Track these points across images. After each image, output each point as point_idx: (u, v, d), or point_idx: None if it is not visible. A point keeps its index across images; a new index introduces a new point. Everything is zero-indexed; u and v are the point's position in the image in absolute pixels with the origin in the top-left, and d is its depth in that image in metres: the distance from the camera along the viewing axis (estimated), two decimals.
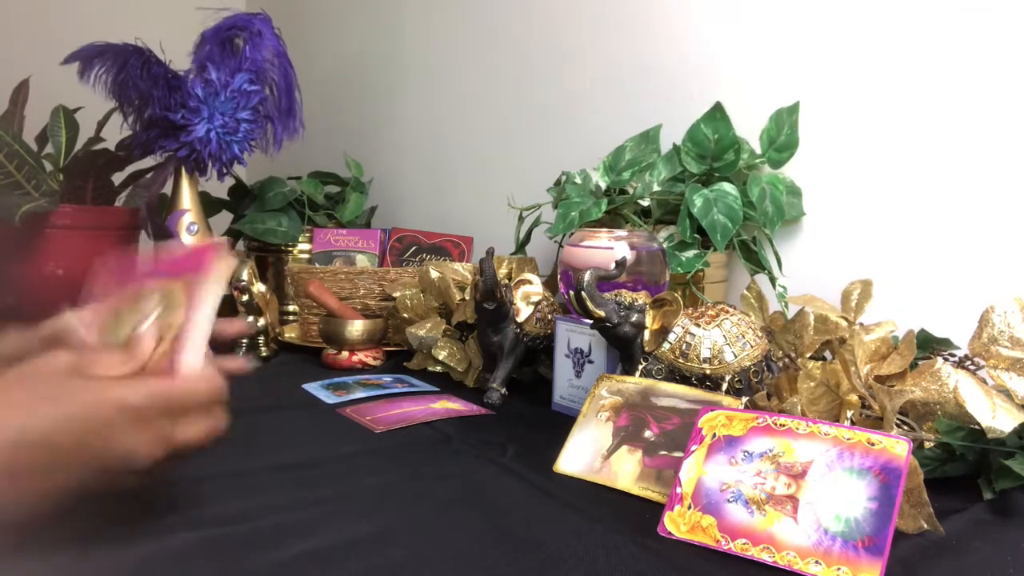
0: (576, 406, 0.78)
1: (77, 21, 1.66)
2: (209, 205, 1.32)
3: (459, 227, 1.34)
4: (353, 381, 0.91)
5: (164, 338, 0.51)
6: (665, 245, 0.92)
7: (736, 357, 0.68)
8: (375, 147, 1.71)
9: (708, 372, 0.68)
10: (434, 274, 0.99)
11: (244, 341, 1.05)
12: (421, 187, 1.63)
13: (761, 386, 0.69)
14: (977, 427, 0.58)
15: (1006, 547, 0.51)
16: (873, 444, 0.50)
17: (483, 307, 0.84)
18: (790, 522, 0.48)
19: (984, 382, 0.62)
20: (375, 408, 0.80)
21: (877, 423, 0.61)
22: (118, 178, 1.22)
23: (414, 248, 1.27)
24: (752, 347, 0.69)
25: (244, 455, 0.65)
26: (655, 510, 0.55)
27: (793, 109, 0.99)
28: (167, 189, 1.14)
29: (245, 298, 1.03)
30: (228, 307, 1.02)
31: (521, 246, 1.14)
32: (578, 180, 1.06)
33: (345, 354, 1.01)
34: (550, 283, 1.00)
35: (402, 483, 0.60)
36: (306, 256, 1.30)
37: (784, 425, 0.54)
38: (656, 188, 1.01)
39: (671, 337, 0.70)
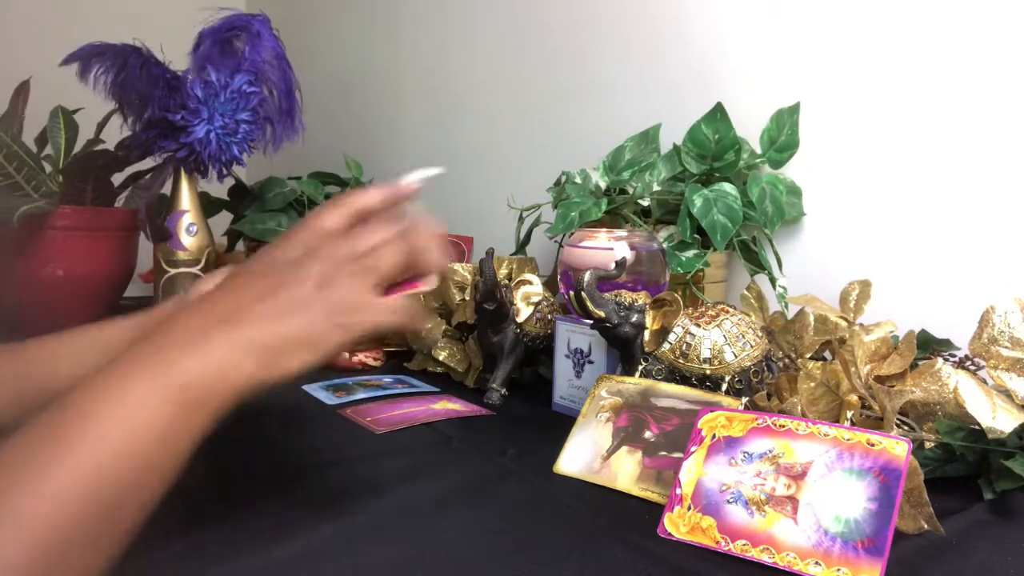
0: (576, 406, 0.78)
1: (76, 21, 1.66)
2: (209, 205, 1.32)
3: (459, 227, 1.34)
4: (353, 382, 0.91)
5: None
6: (665, 245, 0.92)
7: (736, 357, 0.68)
8: (375, 147, 1.71)
9: (708, 372, 0.68)
10: None
11: None
12: (421, 187, 1.62)
13: (761, 386, 0.69)
14: (977, 427, 0.58)
15: (1006, 547, 0.51)
16: (873, 445, 0.50)
17: (483, 307, 0.83)
18: (790, 523, 0.48)
19: (984, 382, 0.62)
20: (376, 409, 0.80)
21: (877, 423, 0.61)
22: (118, 179, 1.22)
23: None
24: (752, 347, 0.69)
25: (244, 456, 0.65)
26: (655, 511, 0.54)
27: (794, 109, 0.99)
28: (167, 190, 1.14)
29: None
30: None
31: (521, 246, 1.14)
32: (578, 180, 1.06)
33: (345, 354, 1.01)
34: (550, 283, 1.00)
35: (402, 483, 0.60)
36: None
37: (784, 426, 0.54)
38: (656, 188, 1.01)
39: (671, 337, 0.70)
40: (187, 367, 0.38)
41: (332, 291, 0.42)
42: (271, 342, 0.40)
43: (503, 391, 0.85)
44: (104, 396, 0.37)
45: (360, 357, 1.02)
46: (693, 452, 0.56)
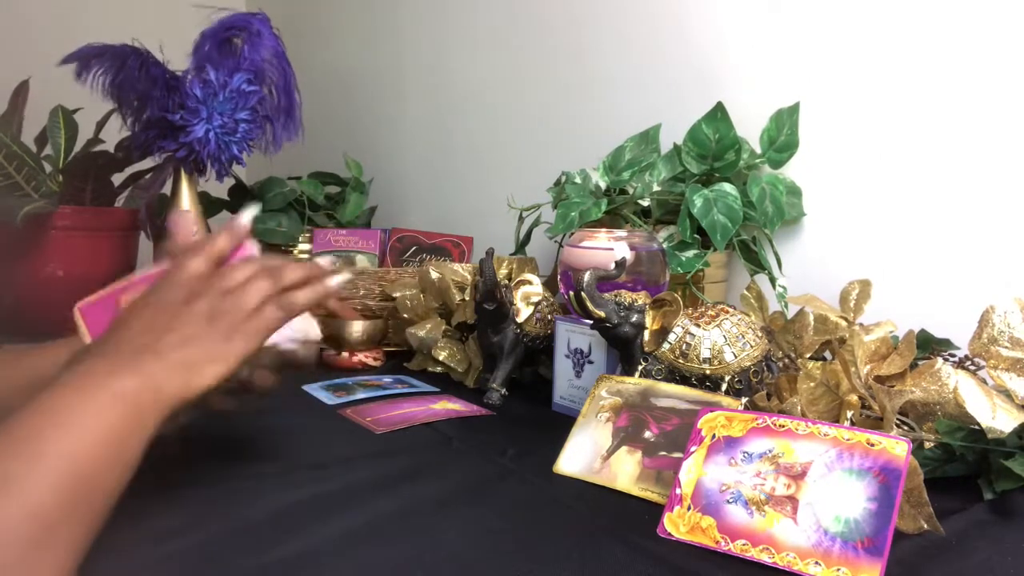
0: (576, 406, 0.78)
1: (76, 22, 1.66)
2: (209, 205, 1.32)
3: (459, 227, 1.34)
4: (353, 382, 0.91)
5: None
6: (665, 245, 0.92)
7: (736, 357, 0.68)
8: (375, 147, 1.71)
9: (708, 372, 0.68)
10: (434, 274, 0.99)
11: None
12: (421, 187, 1.63)
13: (761, 386, 0.69)
14: (977, 427, 0.58)
15: (1006, 547, 0.51)
16: (873, 445, 0.50)
17: (483, 307, 0.84)
18: (790, 523, 0.48)
19: (984, 382, 0.62)
20: (375, 409, 0.80)
21: (877, 423, 0.61)
22: (117, 179, 1.22)
23: (414, 248, 1.27)
24: (752, 347, 0.69)
25: (244, 456, 0.65)
26: (654, 511, 0.54)
27: (793, 109, 0.99)
28: (167, 190, 1.14)
29: None
30: None
31: (521, 246, 1.14)
32: (578, 180, 1.06)
33: (345, 355, 1.01)
34: (550, 283, 1.00)
35: (402, 484, 0.60)
36: (306, 256, 1.30)
37: (784, 426, 0.54)
38: (656, 188, 1.01)
39: (671, 337, 0.70)
40: (127, 383, 0.46)
41: (220, 320, 0.52)
42: (188, 361, 0.49)
43: (503, 391, 0.85)
44: (70, 403, 0.44)
45: (360, 357, 1.02)
46: (693, 452, 0.56)
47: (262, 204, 1.38)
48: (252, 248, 0.60)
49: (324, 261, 0.60)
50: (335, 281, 0.58)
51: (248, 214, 0.60)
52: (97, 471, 0.43)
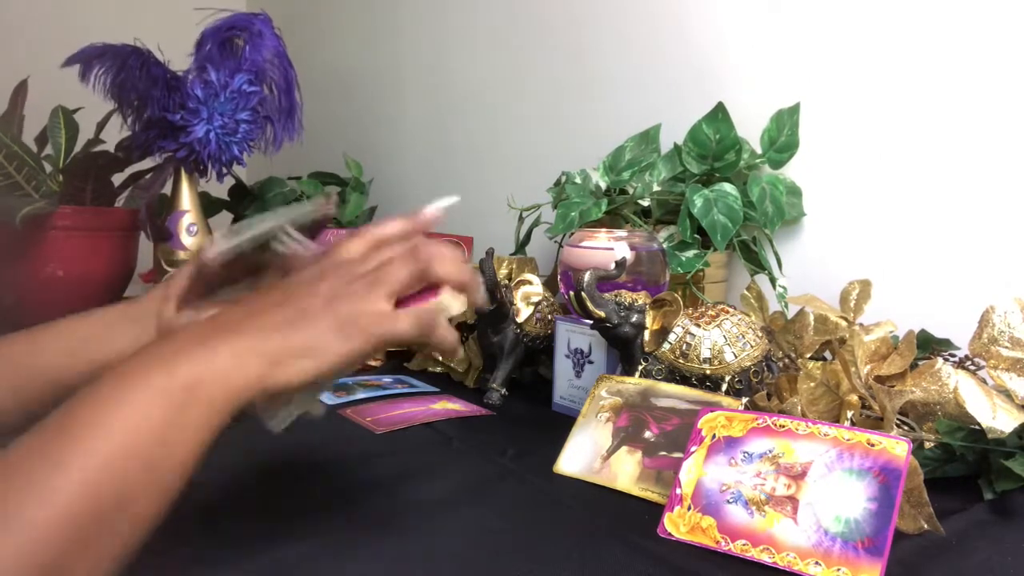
0: (576, 406, 0.78)
1: (76, 21, 1.66)
2: (209, 205, 1.32)
3: (459, 227, 1.34)
4: (353, 382, 0.91)
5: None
6: (665, 245, 0.92)
7: (736, 357, 0.68)
8: (375, 147, 1.71)
9: (708, 372, 0.68)
10: None
11: None
12: (421, 187, 1.63)
13: (761, 386, 0.69)
14: (977, 427, 0.58)
15: (1006, 547, 0.51)
16: (873, 445, 0.50)
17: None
18: (790, 523, 0.48)
19: (984, 382, 0.62)
20: (375, 409, 0.80)
21: (877, 423, 0.61)
22: (118, 179, 1.22)
23: None
24: (752, 347, 0.69)
25: (243, 457, 0.65)
26: (655, 511, 0.54)
27: (794, 110, 0.99)
28: (167, 190, 1.14)
29: None
30: None
31: (521, 246, 1.14)
32: (578, 180, 1.06)
33: None
34: (550, 283, 1.00)
35: (402, 484, 0.60)
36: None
37: (784, 426, 0.54)
38: (656, 188, 1.01)
39: (671, 337, 0.70)
40: (189, 370, 0.40)
41: (339, 304, 0.43)
42: (271, 350, 0.41)
43: (503, 391, 0.85)
44: (110, 398, 0.38)
45: None
46: (693, 452, 0.56)
47: (262, 204, 1.38)
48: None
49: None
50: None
51: (443, 203, 0.50)
52: (132, 479, 0.37)
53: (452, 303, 0.48)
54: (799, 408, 0.61)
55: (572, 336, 0.82)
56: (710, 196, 0.93)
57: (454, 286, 0.47)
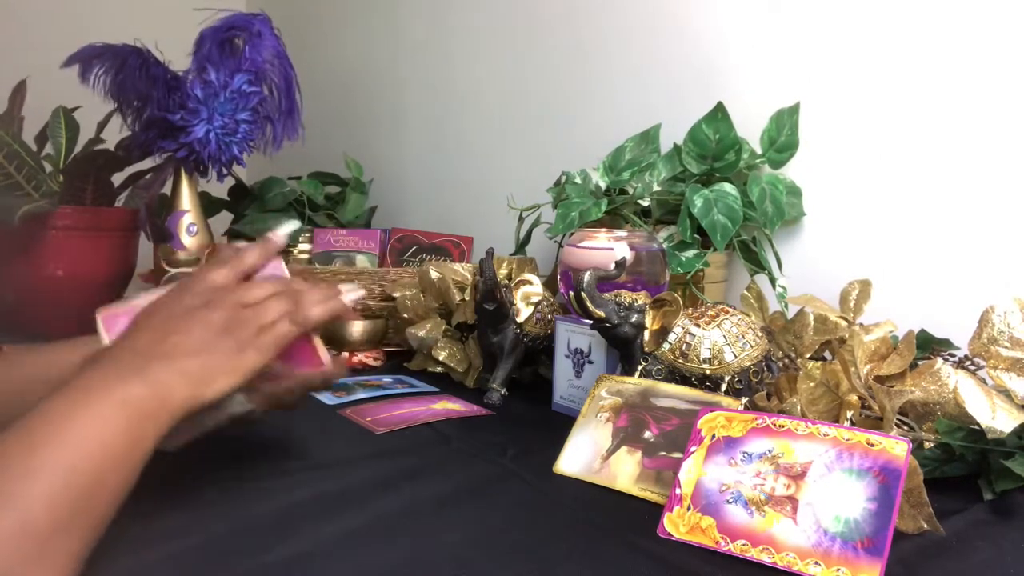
0: (576, 406, 0.78)
1: (76, 21, 1.66)
2: (209, 205, 1.32)
3: (459, 227, 1.34)
4: (353, 382, 0.91)
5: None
6: (665, 245, 0.92)
7: (736, 357, 0.68)
8: (375, 147, 1.71)
9: (708, 372, 0.68)
10: (434, 274, 0.99)
11: None
12: (421, 187, 1.63)
13: (761, 386, 0.69)
14: (977, 427, 0.58)
15: (1006, 547, 0.51)
16: (872, 445, 0.50)
17: (483, 307, 0.84)
18: (789, 523, 0.48)
19: (984, 382, 0.62)
20: (375, 409, 0.80)
21: (877, 423, 0.61)
22: (118, 179, 1.22)
23: (414, 248, 1.27)
24: (752, 347, 0.69)
25: (244, 456, 0.65)
26: (654, 511, 0.54)
27: (794, 110, 0.99)
28: (167, 190, 1.14)
29: None
30: None
31: (521, 246, 1.14)
32: (578, 180, 1.06)
33: (345, 355, 1.01)
34: (550, 283, 1.00)
35: (402, 484, 0.60)
36: (306, 257, 1.31)
37: (783, 426, 0.54)
38: (656, 188, 1.01)
39: (671, 337, 0.70)
40: (133, 390, 0.46)
41: (234, 332, 0.52)
42: (197, 370, 0.49)
43: (503, 391, 0.85)
44: (69, 412, 0.44)
45: (360, 357, 1.02)
46: (693, 452, 0.56)
47: (262, 204, 1.38)
48: (281, 267, 0.60)
49: (345, 288, 0.60)
50: (349, 297, 0.58)
51: (284, 230, 0.60)
52: (96, 482, 0.42)
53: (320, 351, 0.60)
54: (799, 408, 0.61)
55: (572, 336, 0.82)
56: (710, 196, 0.93)
57: (325, 319, 0.57)
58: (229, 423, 0.58)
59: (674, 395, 0.66)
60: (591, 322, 0.74)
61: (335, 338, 1.01)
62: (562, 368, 0.83)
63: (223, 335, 0.51)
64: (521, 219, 1.13)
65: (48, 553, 0.39)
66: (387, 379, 0.94)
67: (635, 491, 0.59)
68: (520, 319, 0.85)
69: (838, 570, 0.45)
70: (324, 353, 0.60)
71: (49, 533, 0.39)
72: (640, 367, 0.71)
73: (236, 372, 0.51)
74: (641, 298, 0.73)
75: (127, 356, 0.49)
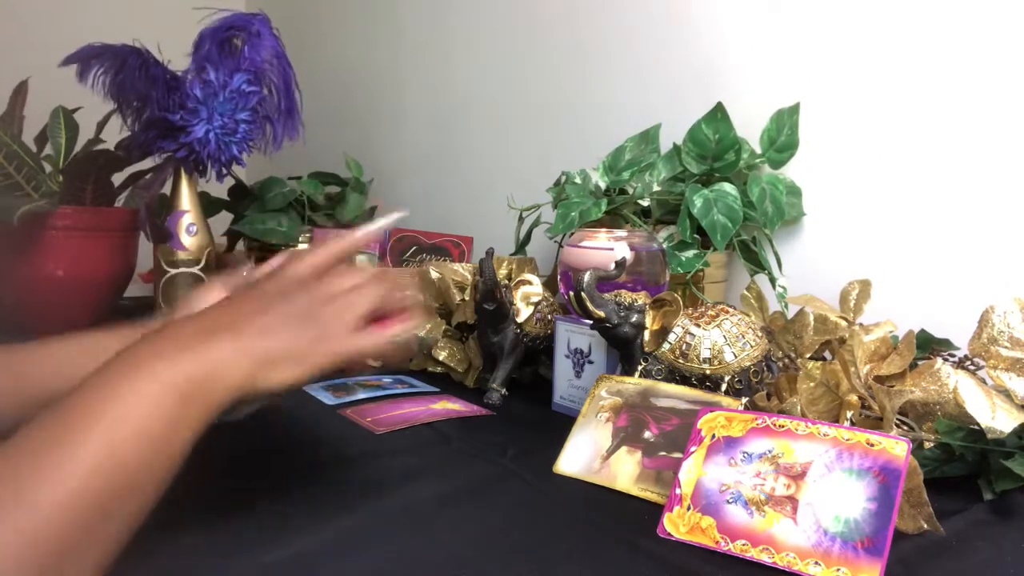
0: (576, 406, 0.78)
1: (76, 21, 1.66)
2: (209, 205, 1.32)
3: (459, 227, 1.34)
4: (353, 382, 0.91)
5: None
6: (665, 245, 0.92)
7: (736, 357, 0.68)
8: (375, 147, 1.71)
9: (708, 372, 0.68)
10: (434, 274, 0.99)
11: None
12: (421, 187, 1.63)
13: (761, 386, 0.69)
14: (977, 427, 0.58)
15: (1006, 548, 0.51)
16: (872, 445, 0.50)
17: (483, 308, 0.83)
18: (789, 523, 0.48)
19: (984, 382, 0.62)
20: (376, 409, 0.80)
21: (877, 423, 0.61)
22: (117, 179, 1.22)
23: (414, 248, 1.27)
24: (752, 347, 0.69)
25: (244, 456, 0.65)
26: (654, 511, 0.55)
27: (794, 109, 0.99)
28: (167, 190, 1.14)
29: None
30: None
31: (521, 246, 1.14)
32: (578, 180, 1.06)
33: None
34: (550, 283, 1.00)
35: (402, 484, 0.60)
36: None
37: (783, 426, 0.54)
38: (656, 188, 1.01)
39: (671, 337, 0.70)
40: (187, 366, 0.42)
41: (316, 321, 0.48)
42: (263, 353, 0.45)
43: (503, 391, 0.85)
44: (112, 391, 0.40)
45: None
46: (693, 452, 0.56)
47: (262, 204, 1.38)
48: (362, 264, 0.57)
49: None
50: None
51: (376, 226, 0.56)
52: (133, 467, 0.39)
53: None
54: (799, 408, 0.61)
55: (572, 336, 0.82)
56: (710, 196, 0.93)
57: (406, 314, 0.53)
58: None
59: (674, 395, 0.66)
60: (591, 322, 0.74)
61: None
62: (562, 368, 0.83)
63: (301, 323, 0.47)
64: (521, 219, 1.13)
65: (85, 542, 0.37)
66: (387, 379, 0.94)
67: (635, 491, 0.59)
68: (520, 319, 0.85)
69: (838, 570, 0.45)
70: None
71: (87, 521, 0.37)
72: (640, 367, 0.71)
73: (306, 363, 0.46)
74: (641, 298, 0.74)
75: (187, 330, 0.45)
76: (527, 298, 0.87)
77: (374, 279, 0.51)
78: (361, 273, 0.51)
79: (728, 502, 0.51)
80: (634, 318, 0.72)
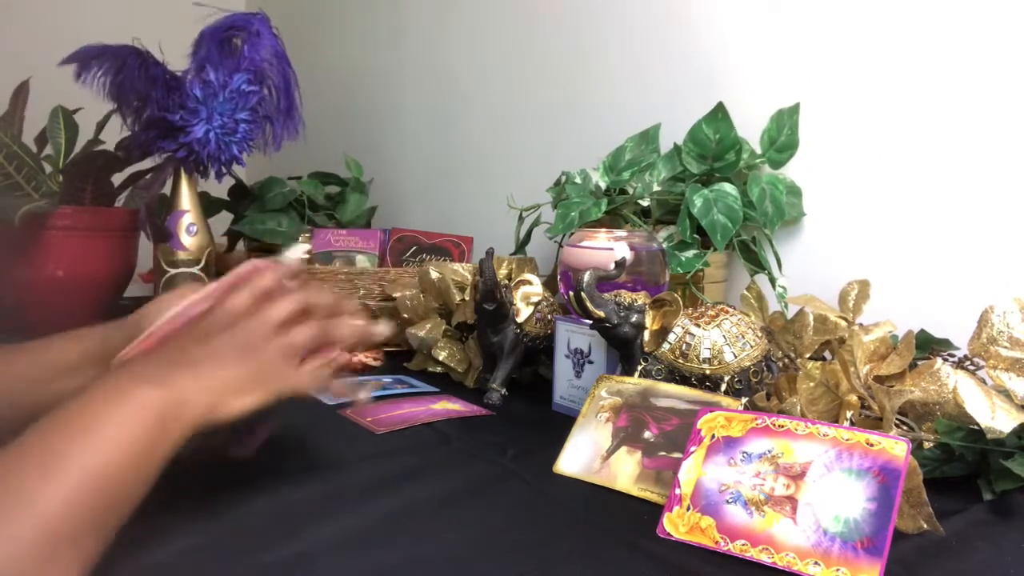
0: (576, 406, 0.78)
1: (76, 21, 1.66)
2: (209, 205, 1.32)
3: (459, 227, 1.34)
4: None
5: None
6: (665, 245, 0.92)
7: (736, 357, 0.68)
8: (375, 147, 1.71)
9: (708, 372, 0.68)
10: (434, 274, 0.99)
11: None
12: (421, 187, 1.63)
13: (761, 386, 0.69)
14: (976, 427, 0.58)
15: (1006, 547, 0.51)
16: (872, 445, 0.50)
17: (483, 308, 0.84)
18: (789, 523, 0.49)
19: (983, 382, 0.62)
20: (375, 409, 0.80)
21: (876, 423, 0.61)
22: (117, 179, 1.22)
23: (414, 248, 1.27)
24: (752, 347, 0.69)
25: (244, 457, 0.65)
26: (654, 511, 0.55)
27: (794, 110, 0.99)
28: (167, 190, 1.14)
29: None
30: None
31: (521, 246, 1.14)
32: (578, 180, 1.06)
33: (346, 355, 1.01)
34: (550, 283, 1.00)
35: (402, 484, 0.60)
36: (306, 257, 1.30)
37: (783, 426, 0.54)
38: (656, 188, 1.01)
39: (671, 337, 0.70)
40: (155, 393, 0.47)
41: (259, 352, 0.52)
42: (221, 384, 0.50)
43: (503, 391, 0.85)
44: (90, 414, 0.44)
45: (360, 357, 1.02)
46: (692, 452, 0.56)
47: (262, 204, 1.38)
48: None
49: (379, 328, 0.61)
50: (379, 330, 0.59)
51: (294, 253, 0.60)
52: (117, 485, 0.43)
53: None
54: (798, 408, 0.61)
55: (572, 336, 0.82)
56: (710, 196, 0.93)
57: (348, 346, 0.58)
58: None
59: (674, 395, 0.66)
60: (591, 322, 0.74)
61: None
62: (562, 368, 0.83)
63: (247, 356, 0.51)
64: (521, 219, 1.13)
65: (68, 552, 0.40)
66: (387, 379, 0.94)
67: (635, 491, 0.59)
68: (520, 319, 0.85)
69: (838, 570, 0.45)
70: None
71: (71, 533, 0.40)
72: (640, 367, 0.71)
73: (255, 395, 0.51)
74: (641, 298, 0.74)
75: (151, 365, 0.50)
76: (527, 298, 0.87)
77: (310, 316, 0.55)
78: (295, 300, 0.55)
79: (728, 502, 0.51)
80: (634, 318, 0.72)
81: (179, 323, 0.56)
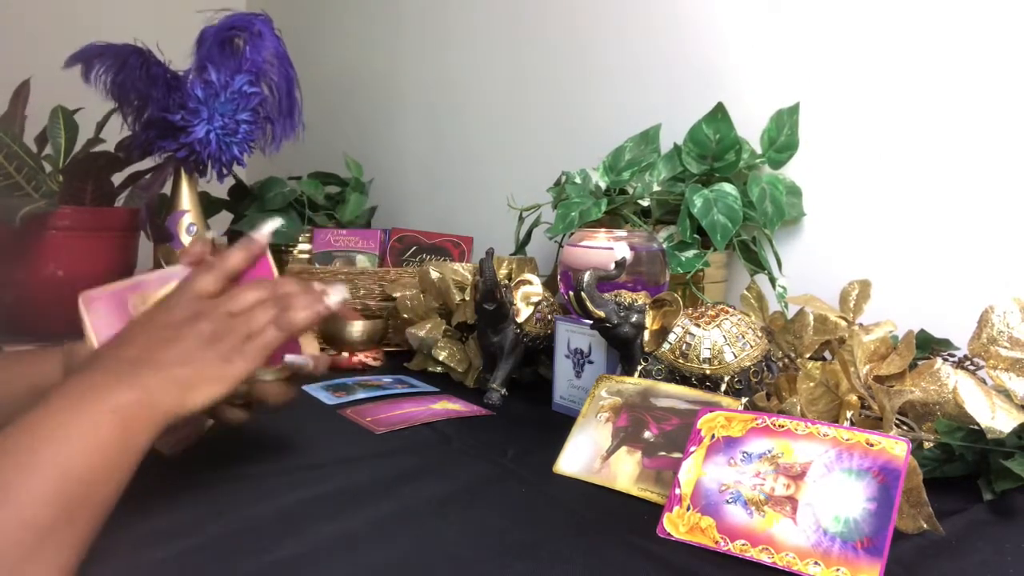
0: (576, 406, 0.78)
1: (76, 21, 1.66)
2: (209, 205, 1.32)
3: (459, 227, 1.34)
4: (353, 382, 0.91)
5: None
6: (665, 245, 0.92)
7: (736, 357, 0.68)
8: (375, 147, 1.71)
9: (708, 372, 0.68)
10: (434, 274, 0.99)
11: None
12: (421, 187, 1.63)
13: (761, 386, 0.69)
14: (976, 427, 0.58)
15: (1006, 547, 0.51)
16: (872, 445, 0.50)
17: (483, 308, 0.84)
18: (789, 523, 0.49)
19: (983, 382, 0.62)
20: (375, 409, 0.80)
21: (876, 423, 0.61)
22: (118, 179, 1.22)
23: (414, 248, 1.27)
24: (752, 347, 0.69)
25: (244, 457, 0.65)
26: (654, 511, 0.55)
27: (794, 110, 0.99)
28: (167, 190, 1.14)
29: None
30: None
31: (521, 246, 1.14)
32: (578, 180, 1.06)
33: (345, 355, 1.01)
34: (550, 283, 1.00)
35: (402, 484, 0.60)
36: (306, 256, 1.31)
37: (783, 426, 0.54)
38: (656, 188, 1.01)
39: (671, 337, 0.70)
40: (124, 396, 0.47)
41: (221, 342, 0.53)
42: (185, 379, 0.50)
43: (503, 391, 0.85)
44: (63, 416, 0.45)
45: (360, 357, 1.02)
46: (692, 452, 0.56)
47: (262, 204, 1.38)
48: (268, 265, 0.61)
49: (331, 290, 0.60)
50: (334, 299, 0.58)
51: (267, 228, 0.60)
52: (91, 483, 0.44)
53: (308, 345, 0.61)
54: (798, 408, 0.61)
55: (572, 336, 0.82)
56: (710, 196, 0.93)
57: (311, 323, 0.57)
58: (221, 425, 0.59)
59: (674, 395, 0.66)
60: (591, 322, 0.74)
61: (336, 338, 1.01)
62: (562, 368, 0.83)
63: (211, 344, 0.52)
64: (521, 219, 1.13)
65: (47, 548, 0.40)
66: (387, 379, 0.94)
67: (635, 491, 0.59)
68: (520, 319, 0.85)
69: (838, 570, 0.45)
70: (309, 348, 0.61)
71: (46, 529, 0.40)
72: (640, 367, 0.71)
73: (223, 380, 0.52)
74: (641, 298, 0.74)
75: (117, 364, 0.50)
76: (527, 298, 0.87)
77: (267, 299, 0.55)
78: (258, 290, 0.56)
79: (728, 502, 0.51)
80: (634, 318, 0.72)
81: (146, 282, 0.59)
